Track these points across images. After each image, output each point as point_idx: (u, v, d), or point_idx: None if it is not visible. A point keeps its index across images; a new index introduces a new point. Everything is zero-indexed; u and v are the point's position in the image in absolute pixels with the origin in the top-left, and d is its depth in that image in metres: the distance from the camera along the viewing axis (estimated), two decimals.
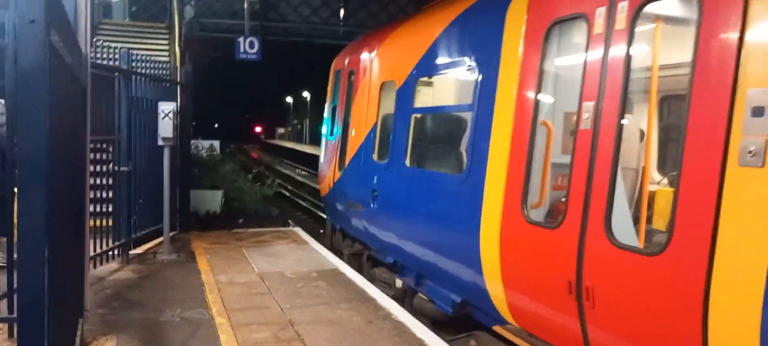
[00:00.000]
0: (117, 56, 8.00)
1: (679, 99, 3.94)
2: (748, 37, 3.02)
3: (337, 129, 9.55)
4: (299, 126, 76.83)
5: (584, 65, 4.14)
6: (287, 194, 21.67)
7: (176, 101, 9.68)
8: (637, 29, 3.77)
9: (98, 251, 7.54)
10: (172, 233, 9.17)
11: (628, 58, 3.81)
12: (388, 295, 6.96)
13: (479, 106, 5.36)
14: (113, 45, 8.23)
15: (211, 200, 13.16)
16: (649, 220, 4.13)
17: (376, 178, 7.48)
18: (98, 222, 7.54)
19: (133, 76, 8.29)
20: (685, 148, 3.33)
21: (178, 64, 13.52)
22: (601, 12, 4.03)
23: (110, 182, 7.99)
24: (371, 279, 7.75)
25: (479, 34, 5.57)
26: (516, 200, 4.63)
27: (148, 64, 8.87)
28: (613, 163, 3.82)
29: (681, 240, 3.30)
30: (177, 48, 16.73)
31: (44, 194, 2.45)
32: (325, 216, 11.14)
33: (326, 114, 10.60)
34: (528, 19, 4.80)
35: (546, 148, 4.59)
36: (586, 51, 4.14)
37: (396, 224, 6.97)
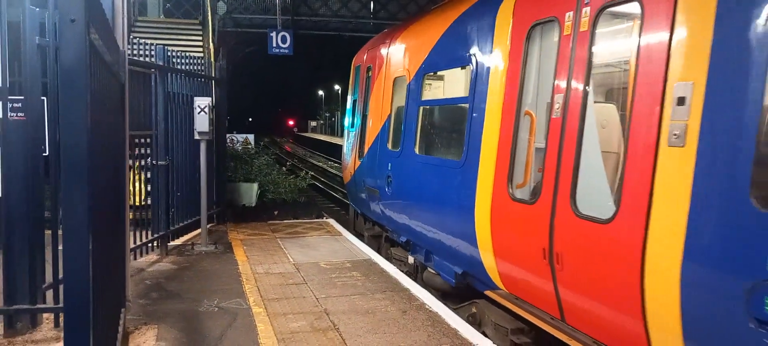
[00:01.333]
0: (153, 53, 8.16)
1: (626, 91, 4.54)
2: (674, 41, 3.66)
3: (357, 121, 10.27)
4: (331, 118, 77.24)
5: (556, 62, 4.76)
6: (320, 186, 21.83)
7: (211, 96, 9.84)
8: (597, 31, 4.37)
9: (138, 243, 7.73)
10: (209, 225, 9.34)
11: (590, 56, 4.41)
12: (402, 270, 7.75)
13: (474, 99, 6.00)
14: (149, 42, 8.41)
15: (247, 192, 13.34)
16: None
17: (390, 165, 8.20)
18: (138, 215, 7.74)
19: (169, 73, 8.45)
20: (630, 133, 3.94)
21: (212, 59, 13.72)
22: (569, 15, 4.66)
23: (148, 175, 8.18)
24: (388, 258, 8.52)
25: (474, 33, 6.18)
26: (503, 181, 5.33)
27: (183, 60, 9.03)
28: (578, 146, 4.44)
29: (625, 208, 3.91)
30: (210, 44, 16.98)
31: (86, 189, 2.52)
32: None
33: (348, 106, 11.40)
34: (513, 21, 5.45)
35: (529, 135, 5.16)
36: (557, 49, 4.76)
37: (407, 206, 7.66)
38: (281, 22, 19.79)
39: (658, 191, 3.68)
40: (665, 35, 3.73)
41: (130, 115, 5.94)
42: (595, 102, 4.68)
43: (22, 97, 4.78)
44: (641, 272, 3.75)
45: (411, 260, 7.84)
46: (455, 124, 6.78)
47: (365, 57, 10.18)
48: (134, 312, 5.79)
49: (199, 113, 8.42)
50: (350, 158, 10.54)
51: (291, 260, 8.10)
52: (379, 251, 9.03)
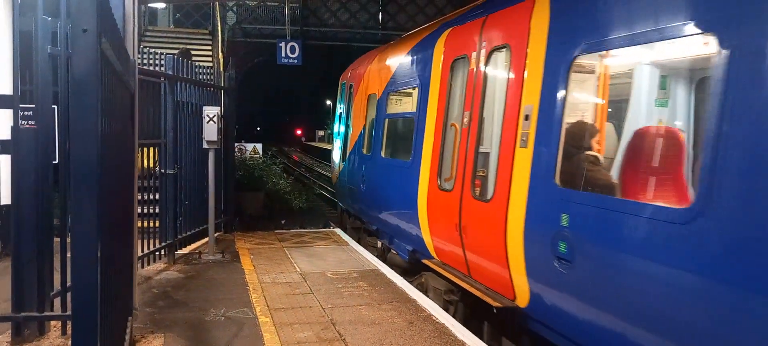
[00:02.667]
0: (163, 62, 8.22)
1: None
2: (525, 75, 5.24)
3: (342, 130, 12.09)
4: None
5: (465, 87, 6.46)
6: (327, 195, 21.84)
7: (220, 106, 9.89)
8: (488, 66, 6.04)
9: (145, 251, 7.75)
10: (216, 234, 9.36)
11: (484, 83, 6.06)
12: (374, 255, 9.25)
13: (418, 113, 7.66)
14: (159, 51, 8.47)
15: (253, 201, 13.38)
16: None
17: (364, 166, 9.99)
18: (145, 223, 7.76)
19: (178, 82, 8.50)
20: (501, 139, 5.49)
21: (221, 69, 13.79)
22: (473, 54, 6.33)
23: (157, 184, 8.21)
24: (364, 245, 10.19)
25: (420, 63, 7.89)
26: (435, 176, 6.96)
27: (192, 69, 9.09)
28: (475, 149, 6.08)
29: (497, 191, 5.46)
30: (220, 53, 17.08)
31: (96, 197, 2.54)
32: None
33: (335, 118, 13.07)
34: (443, 56, 7.11)
35: (454, 141, 6.61)
36: (466, 78, 6.46)
37: (376, 199, 9.32)
38: (290, 32, 19.90)
39: (514, 178, 5.21)
40: (520, 71, 5.32)
41: (139, 123, 5.98)
42: (484, 117, 6.12)
43: (34, 106, 4.82)
44: (505, 234, 5.27)
45: (379, 244, 9.60)
46: (408, 132, 8.13)
47: (349, 75, 12.01)
48: (141, 320, 5.79)
49: (207, 123, 8.46)
50: (336, 162, 12.45)
51: (298, 269, 8.10)
52: (359, 241, 10.47)
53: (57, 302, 5.18)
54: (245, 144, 18.98)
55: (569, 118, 4.82)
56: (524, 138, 5.08)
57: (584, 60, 4.86)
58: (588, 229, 4.28)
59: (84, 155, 2.45)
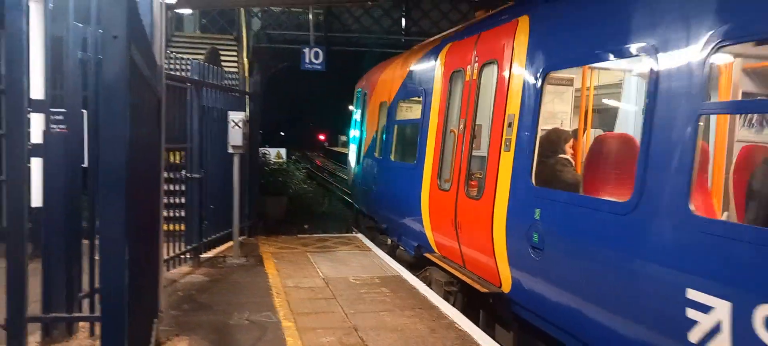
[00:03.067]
0: (189, 67, 8.33)
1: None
2: (509, 88, 5.94)
3: (356, 134, 12.87)
4: None
5: (461, 96, 7.20)
6: (349, 199, 21.89)
7: (245, 111, 9.98)
8: (481, 79, 6.71)
9: (171, 254, 7.85)
10: (240, 238, 9.43)
11: (477, 94, 6.76)
12: (384, 251, 9.93)
13: (423, 119, 8.32)
14: (185, 56, 8.58)
15: (277, 205, 13.47)
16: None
17: (376, 169, 10.71)
18: (171, 226, 7.85)
19: (204, 87, 8.60)
20: (490, 143, 6.22)
21: (246, 74, 13.93)
22: (468, 68, 7.03)
23: (183, 188, 8.31)
24: (377, 243, 10.79)
25: (424, 74, 8.62)
26: (436, 177, 7.65)
27: (218, 75, 9.19)
28: (469, 152, 6.78)
29: (486, 190, 6.14)
30: (245, 59, 17.25)
31: (124, 201, 2.57)
32: None
33: (351, 123, 13.70)
34: (443, 69, 7.83)
35: (453, 146, 7.24)
36: (462, 89, 7.19)
37: (386, 200, 10.11)
38: (314, 38, 20.01)
39: (499, 178, 5.89)
40: (505, 83, 6.03)
41: (165, 128, 6.05)
42: (477, 123, 6.82)
43: (64, 110, 4.91)
44: (491, 228, 5.93)
45: (389, 241, 10.21)
46: (414, 137, 8.77)
47: (364, 83, 12.74)
48: (166, 323, 5.86)
49: (233, 127, 8.54)
50: (352, 165, 13.21)
51: (321, 274, 8.12)
52: (373, 240, 11.08)
53: (85, 303, 5.26)
54: (269, 149, 19.10)
55: (544, 125, 5.66)
56: (508, 142, 5.83)
57: (557, 74, 5.82)
58: (554, 221, 5.02)
59: (112, 160, 2.49)
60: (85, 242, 5.14)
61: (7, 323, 4.75)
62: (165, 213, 6.54)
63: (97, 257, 3.16)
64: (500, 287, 5.91)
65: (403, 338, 5.69)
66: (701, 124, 3.74)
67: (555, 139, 5.72)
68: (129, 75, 2.55)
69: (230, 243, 9.19)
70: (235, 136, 8.56)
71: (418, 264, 8.47)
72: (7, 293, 4.76)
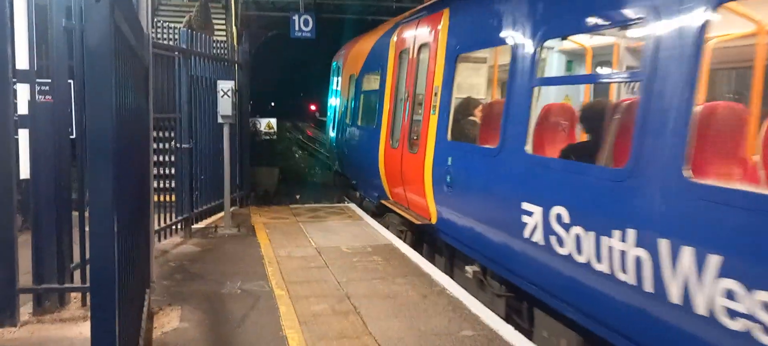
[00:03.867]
0: (176, 36, 8.21)
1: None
2: (436, 65, 7.40)
3: (333, 103, 14.64)
4: None
5: (406, 71, 8.69)
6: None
7: (234, 80, 9.88)
8: (420, 56, 8.13)
9: (162, 225, 7.83)
10: (232, 209, 9.42)
11: (417, 69, 8.21)
12: (356, 204, 11.73)
13: (380, 90, 9.82)
14: (173, 25, 8.45)
15: (269, 176, 13.43)
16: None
17: (347, 133, 12.40)
18: (162, 197, 7.83)
19: (192, 56, 8.49)
20: (424, 108, 7.65)
21: (235, 43, 13.75)
22: (411, 48, 8.47)
23: (172, 158, 8.26)
24: (349, 197, 12.79)
25: (382, 51, 10.07)
26: (389, 137, 9.18)
27: (206, 43, 9.07)
28: (411, 116, 8.24)
29: (420, 146, 7.60)
30: (234, 27, 17.01)
31: (111, 171, 2.54)
32: None
33: (329, 93, 15.43)
34: (396, 47, 9.32)
35: (403, 112, 8.71)
36: (407, 65, 8.65)
37: (354, 159, 11.81)
38: (304, 5, 19.74)
39: (428, 135, 7.38)
40: (433, 61, 7.50)
41: (154, 98, 5.99)
42: (416, 92, 8.15)
43: (50, 80, 4.84)
44: (423, 174, 7.40)
45: (358, 195, 12.02)
46: (374, 105, 10.21)
47: (339, 57, 14.50)
48: (158, 293, 5.87)
49: (222, 97, 8.46)
50: (329, 131, 14.99)
51: (313, 243, 8.15)
52: (346, 195, 13.08)
53: (77, 274, 5.26)
54: (260, 119, 18.96)
55: (459, 94, 7.25)
56: (434, 108, 7.33)
57: (469, 54, 7.26)
58: (458, 165, 6.62)
59: (98, 128, 2.45)
60: (76, 213, 5.12)
61: None
62: (155, 184, 6.51)
63: (87, 228, 3.14)
64: (430, 220, 7.42)
65: (396, 304, 5.74)
66: (535, 91, 5.44)
67: (466, 105, 7.27)
68: (114, 41, 2.49)
69: (222, 213, 9.18)
70: (225, 106, 8.49)
71: (380, 212, 10.12)
72: None
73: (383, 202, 9.42)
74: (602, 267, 4.19)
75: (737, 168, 3.84)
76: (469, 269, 6.65)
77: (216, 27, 15.40)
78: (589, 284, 4.38)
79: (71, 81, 5.00)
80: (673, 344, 3.69)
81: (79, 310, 5.17)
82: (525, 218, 5.09)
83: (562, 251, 4.63)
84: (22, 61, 4.77)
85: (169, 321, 5.18)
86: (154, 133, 6.49)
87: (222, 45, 10.04)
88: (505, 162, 5.58)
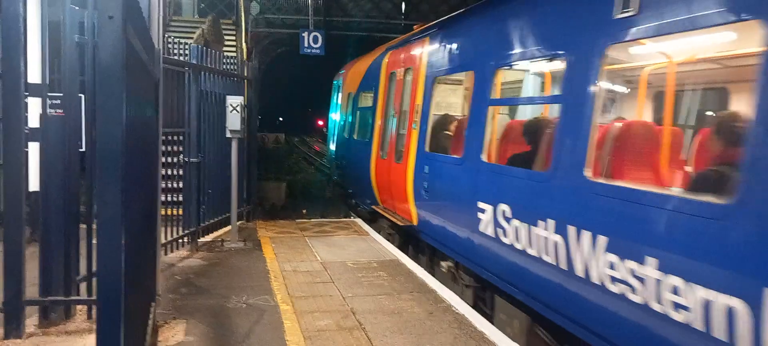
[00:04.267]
0: (187, 52, 8.29)
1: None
2: (417, 86, 8.51)
3: (333, 118, 16.34)
4: None
5: (394, 91, 9.80)
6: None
7: (243, 95, 9.95)
8: (406, 78, 9.21)
9: (169, 238, 7.86)
10: (238, 223, 9.44)
11: (403, 89, 9.35)
12: (352, 212, 13.08)
13: (373, 107, 11.07)
14: (183, 41, 8.54)
15: (276, 191, 13.47)
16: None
17: (344, 146, 13.93)
18: (169, 211, 7.86)
19: (202, 71, 8.57)
20: (408, 123, 8.73)
21: (244, 59, 13.86)
22: (399, 70, 9.63)
23: (181, 172, 8.31)
24: (347, 205, 14.02)
25: (375, 72, 11.31)
26: (379, 149, 10.30)
27: (216, 59, 9.16)
28: (398, 131, 9.43)
29: (404, 156, 8.65)
30: (243, 43, 17.15)
31: (120, 184, 2.57)
32: None
33: (330, 109, 17.12)
34: (386, 69, 10.50)
35: (391, 127, 9.83)
36: (395, 86, 9.80)
37: (349, 170, 13.12)
38: (313, 22, 19.88)
39: (410, 148, 8.47)
40: (416, 83, 8.58)
41: (163, 112, 6.04)
42: (403, 109, 9.25)
43: (61, 94, 4.90)
44: (406, 182, 8.48)
45: (353, 202, 12.98)
46: (368, 120, 11.50)
47: (340, 76, 15.88)
48: (164, 306, 5.89)
49: (231, 112, 8.52)
50: (330, 144, 16.69)
51: (318, 258, 8.15)
52: (346, 206, 14.16)
53: (83, 286, 5.29)
54: (268, 134, 19.11)
55: (435, 111, 8.26)
56: (415, 123, 8.46)
57: (445, 77, 8.32)
58: (433, 172, 7.71)
59: (109, 141, 2.48)
60: (83, 226, 5.16)
61: (4, 305, 4.78)
62: (163, 198, 6.55)
63: (95, 241, 3.17)
64: (412, 222, 8.43)
65: (401, 321, 5.72)
66: (491, 109, 6.39)
67: (443, 121, 8.31)
68: (125, 56, 2.53)
69: (228, 227, 9.21)
70: (234, 121, 8.55)
71: (373, 219, 11.14)
72: (4, 276, 4.79)
73: (374, 207, 10.48)
74: (533, 252, 5.12)
75: (626, 169, 4.80)
76: (444, 265, 7.54)
77: (227, 43, 15.56)
78: (526, 267, 5.27)
79: (82, 95, 5.06)
80: (583, 312, 4.56)
81: (85, 322, 5.19)
82: (480, 215, 6.14)
83: (506, 241, 5.58)
84: (34, 76, 4.84)
85: (174, 335, 5.19)
86: (163, 147, 6.54)
87: (231, 61, 10.13)
88: (467, 171, 6.67)
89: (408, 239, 9.19)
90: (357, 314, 5.87)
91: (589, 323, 4.49)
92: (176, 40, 8.28)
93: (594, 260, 4.29)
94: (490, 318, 6.21)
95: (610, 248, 4.15)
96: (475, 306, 6.62)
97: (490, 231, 5.90)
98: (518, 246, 5.33)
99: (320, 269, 7.56)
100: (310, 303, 6.18)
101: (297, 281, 6.97)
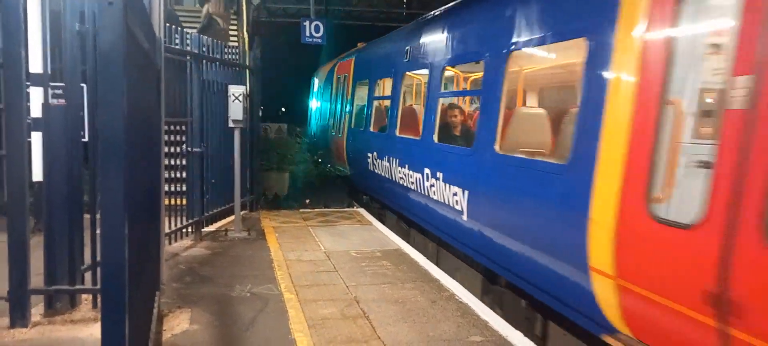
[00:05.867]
0: (189, 41, 8.26)
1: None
2: (349, 89, 13.51)
3: (313, 107, 20.57)
4: None
5: (340, 89, 14.53)
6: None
7: (245, 85, 9.93)
8: (343, 84, 14.34)
9: (173, 228, 7.87)
10: (242, 212, 9.45)
11: (343, 90, 14.07)
12: (354, 202, 13.76)
13: (330, 102, 15.65)
14: (185, 30, 8.50)
15: (278, 181, 13.46)
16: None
17: (315, 125, 18.78)
18: (173, 200, 7.87)
19: (204, 61, 8.55)
20: (348, 112, 13.24)
21: (246, 48, 13.82)
22: (341, 77, 14.64)
23: (184, 162, 8.30)
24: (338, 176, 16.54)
25: (329, 77, 16.27)
26: (333, 129, 14.68)
27: (218, 48, 9.13)
28: (341, 117, 13.91)
29: (342, 133, 13.65)
30: (245, 33, 17.09)
31: (123, 173, 2.56)
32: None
33: (314, 99, 21.33)
34: (336, 75, 15.36)
35: (338, 113, 14.22)
36: (338, 88, 14.96)
37: (319, 142, 16.76)
38: (314, 11, 19.80)
39: (344, 128, 13.32)
40: (348, 87, 13.42)
41: (165, 102, 6.03)
42: (344, 101, 13.58)
43: (63, 84, 4.89)
44: (344, 151, 12.99)
45: (319, 161, 15.55)
46: (327, 111, 16.15)
47: (315, 75, 20.43)
48: (169, 295, 5.90)
49: (233, 101, 8.50)
50: (311, 128, 20.99)
51: (322, 247, 8.16)
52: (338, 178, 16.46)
53: (88, 275, 5.30)
54: (270, 124, 19.19)
55: (357, 102, 12.34)
56: (349, 111, 12.69)
57: (360, 83, 12.22)
58: (354, 140, 12.01)
59: (110, 129, 2.47)
60: (87, 215, 5.16)
61: (10, 295, 4.80)
62: (167, 187, 6.55)
63: (98, 231, 3.17)
64: (349, 175, 12.48)
65: (405, 309, 5.73)
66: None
67: (360, 109, 11.26)
68: (126, 43, 2.52)
69: (232, 217, 9.21)
70: (236, 110, 8.53)
71: (338, 177, 14.46)
72: (9, 266, 4.80)
73: (330, 166, 14.70)
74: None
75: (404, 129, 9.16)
76: (365, 198, 12.19)
77: (229, 32, 15.49)
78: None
79: (84, 85, 5.05)
80: (415, 209, 8.44)
81: (90, 312, 5.21)
82: (372, 163, 10.31)
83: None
84: (35, 65, 4.82)
85: (178, 323, 5.20)
86: (166, 137, 6.53)
87: (233, 50, 10.09)
88: (368, 137, 10.92)
89: (360, 194, 12.63)
90: (361, 303, 5.88)
91: (420, 213, 8.19)
92: (178, 28, 8.24)
93: (422, 182, 7.80)
94: (382, 220, 10.51)
95: (423, 174, 7.80)
96: (393, 229, 9.74)
97: (378, 171, 9.94)
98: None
99: (324, 259, 7.56)
100: (314, 292, 6.19)
101: (301, 270, 6.98)
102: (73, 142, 4.94)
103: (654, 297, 3.68)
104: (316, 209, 11.63)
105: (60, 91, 4.90)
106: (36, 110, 4.87)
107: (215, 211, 9.09)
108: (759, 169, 3.11)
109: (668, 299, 3.58)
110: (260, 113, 12.20)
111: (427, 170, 7.61)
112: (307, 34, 17.55)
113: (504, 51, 5.98)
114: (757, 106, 3.13)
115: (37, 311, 5.06)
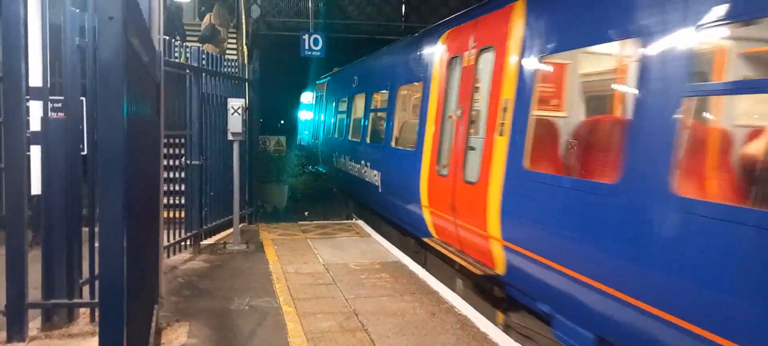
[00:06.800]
0: (188, 55, 8.29)
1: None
2: (328, 100, 17.12)
3: (301, 116, 24.93)
4: None
5: (322, 103, 18.56)
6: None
7: (244, 98, 9.95)
8: (325, 96, 18.13)
9: (171, 241, 7.85)
10: (241, 225, 9.43)
11: (326, 102, 17.53)
12: (353, 215, 14.38)
13: (314, 111, 19.74)
14: (186, 44, 8.53)
15: (277, 193, 13.47)
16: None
17: (305, 133, 21.96)
18: (171, 213, 7.86)
19: (203, 74, 8.57)
20: (327, 121, 16.92)
21: (245, 61, 13.87)
22: (322, 93, 18.73)
23: (183, 175, 8.30)
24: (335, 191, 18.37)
25: (318, 95, 19.05)
26: (314, 135, 19.03)
27: (217, 62, 9.15)
28: (323, 125, 17.52)
29: (316, 138, 18.94)
30: (244, 46, 17.16)
31: (122, 187, 2.56)
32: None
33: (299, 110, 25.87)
34: (318, 90, 19.20)
35: (319, 124, 18.13)
36: (322, 100, 18.35)
37: (307, 147, 20.37)
38: (313, 25, 19.90)
39: (324, 133, 17.61)
40: (329, 100, 16.56)
41: (165, 115, 6.04)
42: (327, 114, 17.31)
43: (63, 97, 4.90)
44: (318, 149, 18.06)
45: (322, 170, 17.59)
46: (312, 120, 19.80)
47: (317, 86, 20.36)
48: (167, 309, 5.88)
49: (232, 114, 8.51)
50: (301, 132, 24.54)
51: (321, 260, 8.14)
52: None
53: (86, 289, 5.29)
54: (269, 137, 19.29)
55: (332, 119, 15.33)
56: (332, 122, 15.28)
57: (329, 101, 16.38)
58: (323, 146, 16.49)
59: (110, 142, 2.48)
60: (86, 229, 5.15)
61: (7, 308, 4.78)
62: (165, 200, 6.54)
63: (97, 244, 3.16)
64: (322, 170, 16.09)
65: (404, 322, 5.71)
66: (338, 116, 14.64)
67: (340, 119, 13.01)
68: (126, 56, 2.53)
69: (231, 230, 9.20)
70: (235, 123, 8.54)
71: (315, 166, 17.54)
72: (7, 280, 4.78)
73: (313, 166, 17.56)
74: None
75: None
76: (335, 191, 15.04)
77: (228, 45, 15.55)
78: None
79: (83, 98, 5.06)
80: (353, 188, 12.46)
81: (88, 325, 5.19)
82: (354, 169, 11.97)
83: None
84: (35, 79, 4.84)
85: (177, 337, 5.18)
86: (165, 150, 6.54)
87: (232, 63, 10.12)
88: (332, 141, 13.88)
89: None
90: (359, 316, 5.86)
91: (356, 193, 11.71)
92: (177, 43, 8.27)
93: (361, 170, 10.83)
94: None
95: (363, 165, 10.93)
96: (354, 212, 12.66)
97: (339, 166, 12.99)
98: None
99: (322, 271, 7.55)
100: (312, 305, 6.17)
101: (299, 283, 6.96)
102: (72, 156, 4.94)
103: (438, 212, 7.45)
104: (315, 221, 11.62)
105: (59, 105, 4.91)
106: (35, 124, 4.88)
107: (214, 223, 9.08)
108: (458, 148, 7.03)
109: (442, 212, 7.32)
110: (259, 126, 12.21)
111: (363, 161, 11.17)
112: (307, 47, 17.62)
113: (396, 84, 10.05)
114: (463, 118, 7.00)
115: (34, 325, 5.04)
